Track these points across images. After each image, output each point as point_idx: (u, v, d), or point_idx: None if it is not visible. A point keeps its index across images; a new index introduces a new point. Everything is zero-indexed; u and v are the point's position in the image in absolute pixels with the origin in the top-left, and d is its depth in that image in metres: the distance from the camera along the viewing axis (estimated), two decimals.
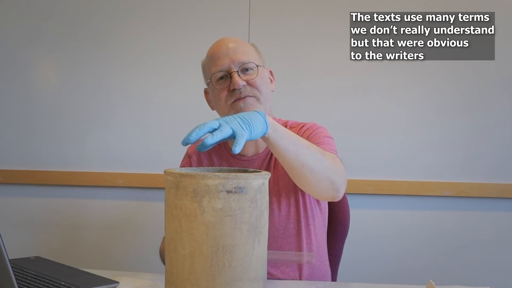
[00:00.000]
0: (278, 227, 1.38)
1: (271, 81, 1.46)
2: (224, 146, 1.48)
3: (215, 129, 1.02)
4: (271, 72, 1.47)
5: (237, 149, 1.00)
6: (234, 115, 1.06)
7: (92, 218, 2.28)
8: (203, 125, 1.01)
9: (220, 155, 1.47)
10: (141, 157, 2.24)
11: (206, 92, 1.47)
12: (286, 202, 1.39)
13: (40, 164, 2.29)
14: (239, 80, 1.32)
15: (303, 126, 1.44)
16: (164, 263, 1.35)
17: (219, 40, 1.41)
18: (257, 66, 1.36)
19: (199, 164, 1.49)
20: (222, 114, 1.40)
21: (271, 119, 1.13)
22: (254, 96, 1.34)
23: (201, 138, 1.02)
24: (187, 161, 1.51)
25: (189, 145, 1.54)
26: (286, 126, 1.46)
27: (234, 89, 1.33)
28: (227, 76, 1.35)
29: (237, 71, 1.33)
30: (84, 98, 2.27)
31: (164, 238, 1.43)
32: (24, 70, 2.31)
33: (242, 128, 1.04)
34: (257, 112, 1.10)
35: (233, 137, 1.03)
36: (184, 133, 1.02)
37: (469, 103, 2.12)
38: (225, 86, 1.35)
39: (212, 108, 1.46)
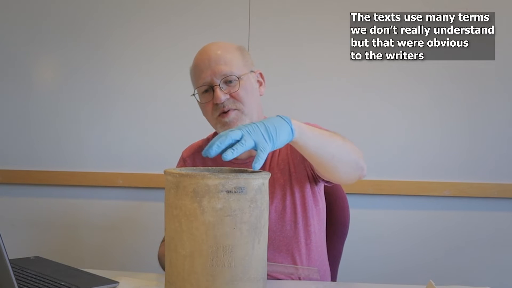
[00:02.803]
0: (274, 229, 1.38)
1: (261, 83, 1.44)
2: None
3: (237, 141, 0.99)
4: (261, 74, 1.45)
5: (257, 165, 0.97)
6: (258, 123, 1.02)
7: (92, 218, 2.28)
8: (225, 137, 0.99)
9: (214, 159, 1.47)
10: (141, 157, 2.24)
11: None
12: (282, 204, 1.39)
13: (40, 164, 2.29)
14: (220, 95, 1.32)
15: None
16: (163, 268, 1.35)
17: (203, 50, 1.39)
18: (238, 78, 1.34)
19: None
20: (211, 124, 1.41)
21: (297, 122, 1.10)
22: (238, 109, 1.34)
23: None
24: (182, 165, 1.52)
25: (184, 149, 1.55)
26: None
27: (217, 103, 1.34)
28: (211, 88, 1.35)
29: (219, 85, 1.33)
30: (84, 98, 2.27)
31: (162, 241, 1.43)
32: (24, 70, 2.31)
33: (265, 140, 1.01)
34: (282, 118, 1.07)
35: (254, 149, 1.01)
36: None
37: (469, 103, 2.12)
38: (210, 99, 1.36)
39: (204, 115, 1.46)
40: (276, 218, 1.38)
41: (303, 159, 1.38)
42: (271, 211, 1.38)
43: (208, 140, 1.54)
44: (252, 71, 1.40)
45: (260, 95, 1.43)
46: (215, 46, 1.39)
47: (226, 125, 1.34)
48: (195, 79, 1.40)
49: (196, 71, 1.38)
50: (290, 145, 1.33)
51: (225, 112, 1.34)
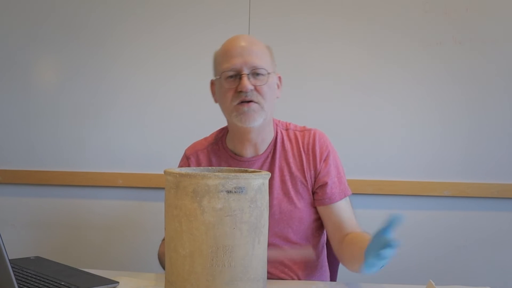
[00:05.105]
0: (276, 231, 1.38)
1: (278, 86, 1.43)
2: (223, 146, 1.47)
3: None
4: (279, 78, 1.44)
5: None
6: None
7: (92, 218, 2.28)
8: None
9: (219, 156, 1.46)
10: (141, 157, 2.24)
11: (212, 83, 1.44)
12: (287, 207, 1.39)
13: (40, 164, 2.29)
14: (247, 84, 1.31)
15: (310, 135, 1.43)
16: (162, 267, 1.35)
17: (236, 37, 1.38)
18: (268, 73, 1.34)
19: (198, 165, 1.48)
20: (225, 111, 1.39)
21: None
22: (258, 103, 1.33)
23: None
24: (185, 162, 1.50)
25: (187, 147, 1.54)
26: (287, 130, 1.45)
27: (241, 91, 1.32)
28: (237, 76, 1.33)
29: (248, 74, 1.32)
30: (84, 98, 2.27)
31: (162, 241, 1.43)
32: (24, 70, 2.31)
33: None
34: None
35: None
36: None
37: (469, 103, 2.12)
38: (233, 86, 1.33)
39: (216, 101, 1.44)
40: (280, 219, 1.38)
41: (312, 183, 1.41)
42: (275, 212, 1.38)
43: (210, 139, 1.52)
44: (274, 73, 1.41)
45: (277, 97, 1.43)
46: (248, 38, 1.40)
47: (244, 114, 1.32)
48: (222, 62, 1.36)
49: (226, 55, 1.35)
50: (305, 161, 1.40)
51: (246, 102, 1.32)
